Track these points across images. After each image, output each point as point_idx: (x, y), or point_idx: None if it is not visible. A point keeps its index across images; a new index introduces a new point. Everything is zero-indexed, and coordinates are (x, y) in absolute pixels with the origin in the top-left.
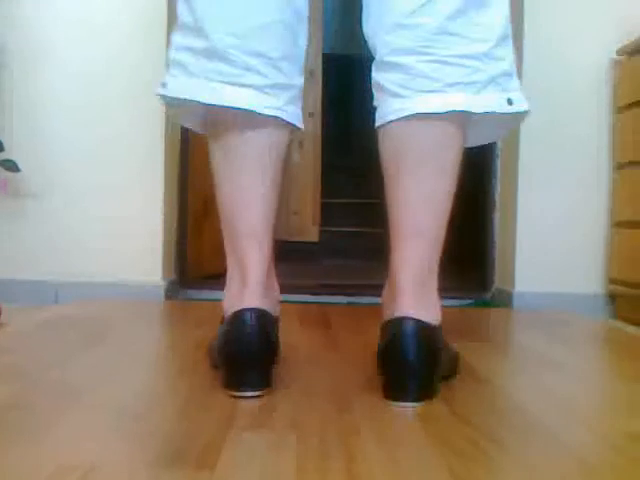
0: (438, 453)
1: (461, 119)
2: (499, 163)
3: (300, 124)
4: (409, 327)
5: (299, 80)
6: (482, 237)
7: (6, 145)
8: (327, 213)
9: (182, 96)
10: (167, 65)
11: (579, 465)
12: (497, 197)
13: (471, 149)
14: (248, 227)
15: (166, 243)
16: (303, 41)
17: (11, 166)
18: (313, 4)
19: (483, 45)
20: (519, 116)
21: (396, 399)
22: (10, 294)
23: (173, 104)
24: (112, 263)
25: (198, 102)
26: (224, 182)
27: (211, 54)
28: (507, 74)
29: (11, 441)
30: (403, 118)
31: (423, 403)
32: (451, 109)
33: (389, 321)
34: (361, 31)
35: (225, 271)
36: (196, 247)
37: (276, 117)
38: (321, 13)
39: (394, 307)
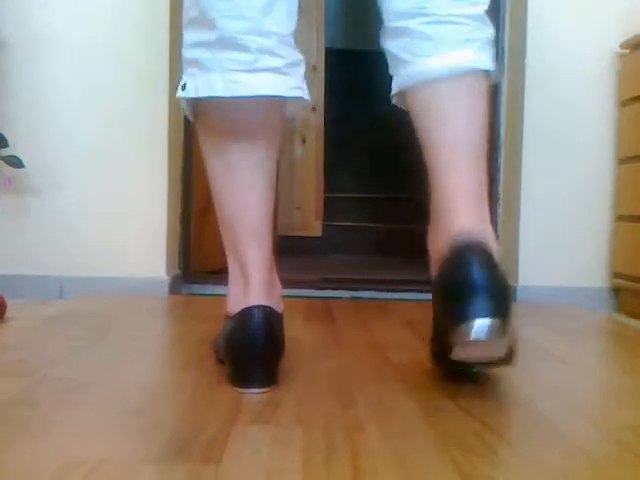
0: (442, 448)
1: (481, 73)
2: (502, 157)
3: (308, 97)
4: (477, 254)
5: (300, 53)
6: None
7: (10, 141)
8: (330, 208)
9: (204, 95)
10: (182, 66)
11: (583, 459)
12: (500, 191)
13: None
14: (249, 229)
15: (170, 238)
16: (297, 10)
17: (15, 162)
18: None
19: (480, 7)
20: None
21: (475, 316)
22: (15, 289)
23: (191, 105)
24: (116, 258)
25: (218, 98)
26: (221, 189)
27: (224, 43)
28: (492, 42)
29: (17, 436)
30: (422, 83)
31: (501, 322)
32: (460, 67)
33: (455, 247)
34: (367, 26)
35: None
36: (200, 242)
37: (300, 97)
38: (323, 8)
39: (451, 228)
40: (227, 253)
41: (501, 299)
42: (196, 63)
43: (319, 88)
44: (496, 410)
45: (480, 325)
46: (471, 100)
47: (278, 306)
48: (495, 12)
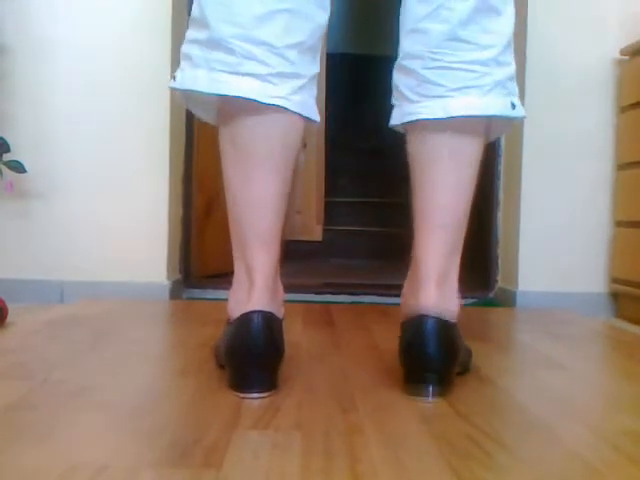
0: (441, 453)
1: (481, 120)
2: (502, 163)
3: (312, 115)
4: (430, 324)
5: (311, 69)
6: (485, 237)
7: (12, 146)
8: (331, 212)
9: (188, 87)
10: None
11: (580, 464)
12: (500, 196)
13: None
14: (258, 232)
15: (171, 243)
16: (320, 31)
17: (17, 167)
18: None
19: (491, 50)
20: (516, 121)
21: (416, 394)
22: (16, 293)
23: (184, 96)
24: (117, 263)
25: (201, 92)
26: (234, 182)
27: (214, 44)
28: (511, 78)
29: (21, 440)
30: (412, 122)
31: (441, 398)
32: (456, 114)
33: (411, 318)
34: (370, 31)
35: (228, 271)
36: (200, 247)
37: (279, 106)
38: None
39: (417, 299)
40: (234, 255)
41: (443, 375)
42: (188, 58)
43: (320, 92)
44: (493, 415)
45: (422, 399)
46: (459, 153)
47: (279, 311)
48: None
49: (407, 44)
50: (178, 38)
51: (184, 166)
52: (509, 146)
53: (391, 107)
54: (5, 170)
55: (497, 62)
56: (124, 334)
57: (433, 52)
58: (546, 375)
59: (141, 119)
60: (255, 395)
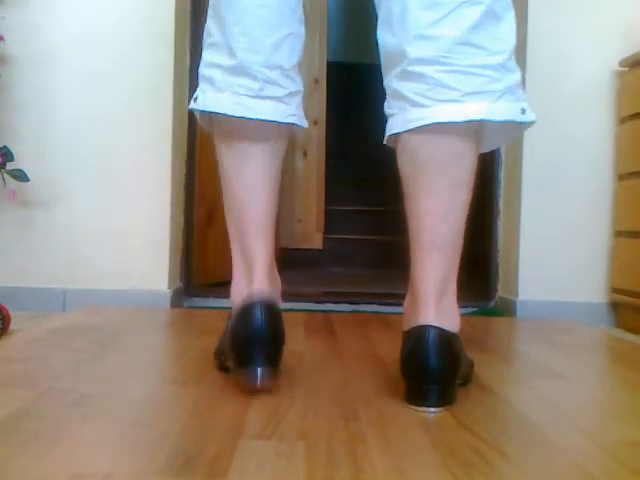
0: (443, 462)
1: (477, 128)
2: (503, 172)
3: (303, 123)
4: (431, 335)
5: (302, 84)
6: (485, 246)
7: (15, 155)
8: (331, 220)
9: (211, 110)
10: (199, 80)
11: (580, 475)
12: (500, 206)
13: None
14: (255, 222)
15: (172, 251)
16: (303, 45)
17: (20, 176)
18: (318, 12)
19: (500, 56)
20: (526, 125)
21: (418, 404)
22: (18, 301)
23: (204, 116)
24: (119, 271)
25: (226, 115)
26: (233, 182)
27: (237, 71)
28: (519, 84)
29: (25, 449)
30: (421, 127)
31: (443, 408)
32: (471, 118)
33: (412, 329)
34: (369, 40)
35: (229, 279)
36: (201, 255)
37: (292, 124)
38: (326, 21)
39: (416, 316)
40: (232, 250)
41: (449, 387)
42: (210, 81)
43: (321, 101)
44: (494, 425)
45: (428, 410)
46: (469, 154)
47: (278, 301)
48: None
49: (414, 50)
50: (181, 48)
51: (186, 175)
52: (509, 156)
53: (384, 117)
54: (8, 179)
55: (506, 68)
56: (126, 343)
57: (445, 57)
58: (546, 385)
59: (143, 128)
60: (258, 371)
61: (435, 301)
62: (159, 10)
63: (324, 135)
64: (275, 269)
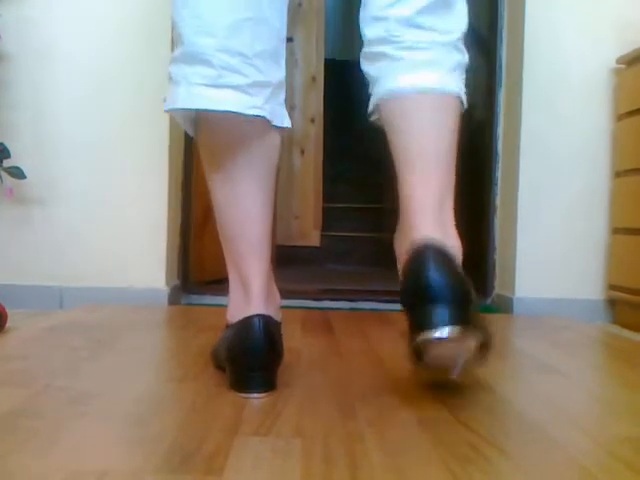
0: (440, 458)
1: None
2: (499, 170)
3: (282, 122)
4: (431, 253)
5: (276, 76)
6: (482, 243)
7: (12, 152)
8: (329, 218)
9: (173, 107)
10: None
11: (578, 471)
12: (498, 203)
13: (471, 157)
14: (249, 245)
15: (170, 249)
16: (279, 35)
17: (17, 173)
18: (315, 10)
19: (450, 35)
20: (459, 105)
21: (431, 327)
22: (15, 299)
23: (177, 116)
24: (116, 269)
25: (184, 109)
26: (220, 202)
27: (190, 58)
28: (465, 68)
29: (23, 447)
30: (392, 98)
31: (460, 329)
32: (427, 85)
33: (411, 251)
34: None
35: (227, 276)
36: (199, 253)
37: (257, 116)
38: (323, 19)
39: (413, 233)
40: (228, 263)
41: (459, 305)
42: (170, 78)
43: (318, 99)
44: (492, 422)
45: (439, 334)
46: (433, 115)
47: (277, 315)
48: (493, 28)
49: (370, 31)
50: None
51: (183, 172)
52: (506, 153)
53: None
54: (5, 176)
55: (455, 47)
56: (124, 340)
57: (395, 35)
58: (544, 381)
59: (140, 126)
60: (254, 395)
61: (433, 214)
62: (159, 6)
63: (321, 133)
64: (273, 283)
